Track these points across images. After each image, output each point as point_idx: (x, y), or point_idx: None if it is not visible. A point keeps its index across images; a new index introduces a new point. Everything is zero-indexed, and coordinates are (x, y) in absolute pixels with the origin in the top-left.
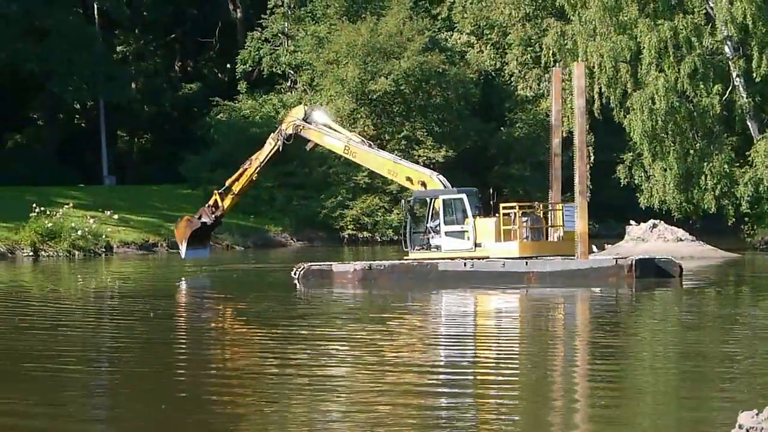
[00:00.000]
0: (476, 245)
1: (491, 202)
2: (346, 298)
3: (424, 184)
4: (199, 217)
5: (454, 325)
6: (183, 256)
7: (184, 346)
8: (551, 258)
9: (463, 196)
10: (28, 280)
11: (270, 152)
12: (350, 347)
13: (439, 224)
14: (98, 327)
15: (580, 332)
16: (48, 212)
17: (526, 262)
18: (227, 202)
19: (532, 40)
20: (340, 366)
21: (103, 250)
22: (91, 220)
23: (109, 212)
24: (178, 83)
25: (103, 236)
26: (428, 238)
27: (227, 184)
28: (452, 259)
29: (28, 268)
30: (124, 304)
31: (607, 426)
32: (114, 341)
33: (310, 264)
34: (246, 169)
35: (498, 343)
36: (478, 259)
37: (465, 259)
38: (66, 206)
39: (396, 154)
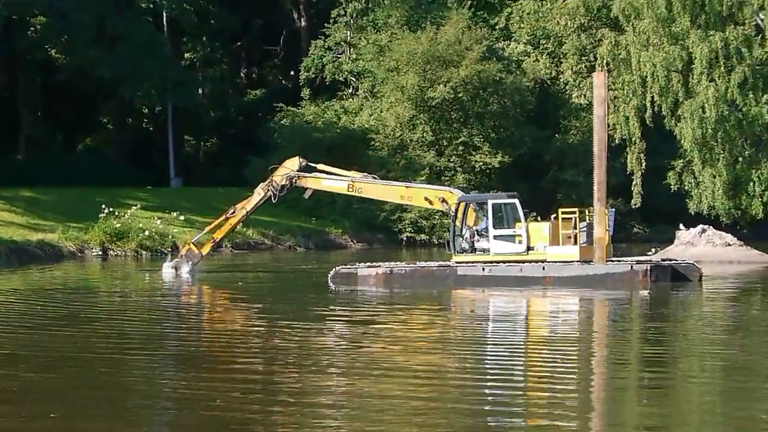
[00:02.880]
0: (529, 249)
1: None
2: (368, 299)
3: (444, 200)
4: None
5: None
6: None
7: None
8: (569, 263)
9: (516, 200)
10: (97, 278)
11: (258, 203)
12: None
13: (485, 228)
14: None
15: (583, 339)
16: (116, 213)
17: (543, 267)
18: (206, 248)
19: (586, 50)
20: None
21: (170, 249)
22: (158, 221)
23: (175, 213)
24: (243, 89)
25: (170, 236)
26: (473, 242)
27: (205, 231)
28: (503, 262)
29: (97, 266)
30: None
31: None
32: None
33: (339, 267)
34: (229, 218)
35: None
36: (534, 262)
37: (519, 263)
38: (134, 207)
39: (454, 159)
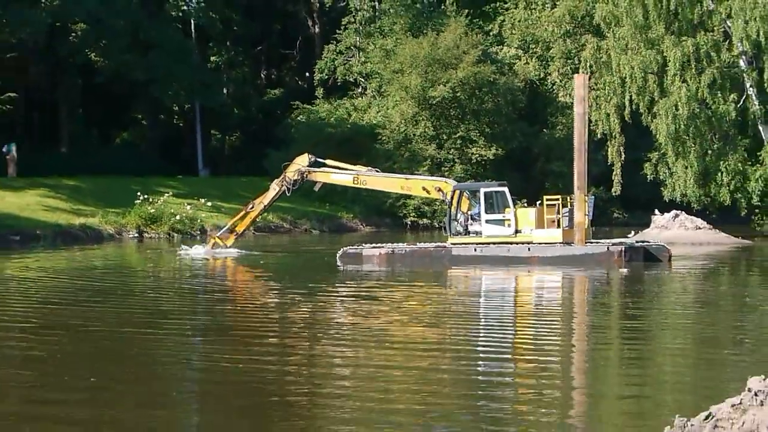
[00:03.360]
0: (517, 231)
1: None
2: (372, 276)
3: (440, 190)
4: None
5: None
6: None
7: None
8: (552, 244)
9: (505, 189)
10: (132, 258)
11: (274, 197)
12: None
13: (478, 213)
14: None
15: (560, 312)
16: (150, 200)
17: (529, 248)
18: (230, 241)
19: (571, 54)
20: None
21: (198, 232)
22: (188, 207)
23: (203, 200)
24: (263, 89)
25: (198, 220)
26: (467, 225)
27: (228, 225)
28: (494, 244)
29: (133, 247)
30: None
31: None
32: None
33: (347, 247)
34: (248, 212)
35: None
36: (521, 243)
37: (508, 244)
38: (166, 194)
39: (452, 152)
